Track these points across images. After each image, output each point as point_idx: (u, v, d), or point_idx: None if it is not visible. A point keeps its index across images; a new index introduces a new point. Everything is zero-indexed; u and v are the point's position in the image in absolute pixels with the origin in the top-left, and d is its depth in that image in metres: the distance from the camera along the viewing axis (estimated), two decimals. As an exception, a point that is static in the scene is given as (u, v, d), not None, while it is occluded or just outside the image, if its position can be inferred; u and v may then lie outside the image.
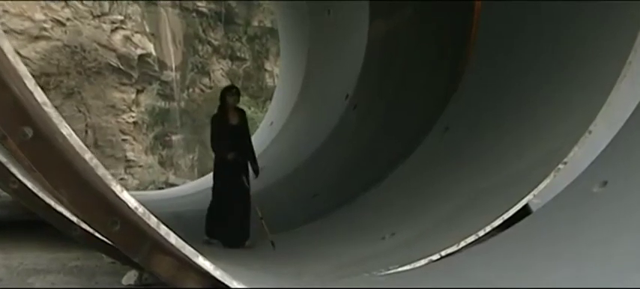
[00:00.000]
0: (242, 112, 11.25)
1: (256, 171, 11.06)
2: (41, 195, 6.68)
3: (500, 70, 9.70)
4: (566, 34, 8.33)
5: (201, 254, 4.33)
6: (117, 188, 4.01)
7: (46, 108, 3.84)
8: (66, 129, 3.88)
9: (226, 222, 10.63)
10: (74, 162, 3.96)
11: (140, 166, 34.21)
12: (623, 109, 6.89)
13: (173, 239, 4.16)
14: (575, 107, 7.78)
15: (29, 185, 6.60)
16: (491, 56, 10.14)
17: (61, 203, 6.67)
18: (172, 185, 31.91)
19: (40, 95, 3.80)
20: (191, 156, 35.94)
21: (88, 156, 3.91)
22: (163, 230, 4.14)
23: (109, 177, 3.98)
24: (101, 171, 3.94)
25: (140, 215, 4.06)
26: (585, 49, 7.95)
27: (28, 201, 6.67)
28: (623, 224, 5.58)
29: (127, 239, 4.25)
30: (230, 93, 11.21)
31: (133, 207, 4.03)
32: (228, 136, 10.94)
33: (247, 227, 10.66)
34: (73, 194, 4.11)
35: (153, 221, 4.12)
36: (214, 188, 11.18)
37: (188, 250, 4.24)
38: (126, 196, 4.02)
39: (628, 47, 7.14)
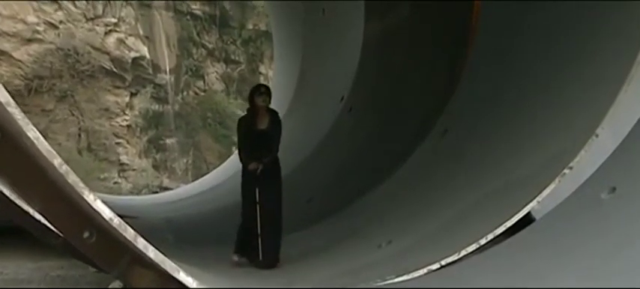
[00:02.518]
0: (274, 115, 9.58)
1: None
2: (18, 201, 6.33)
3: (502, 70, 9.42)
4: (570, 34, 8.04)
5: (182, 268, 4.01)
6: (90, 197, 3.69)
7: (10, 109, 3.49)
8: (33, 133, 3.54)
9: (256, 243, 9.15)
10: (44, 168, 3.63)
11: (134, 170, 34.27)
12: (632, 111, 6.64)
13: (152, 253, 3.83)
14: (580, 109, 7.49)
15: (5, 191, 6.25)
16: (491, 56, 9.86)
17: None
18: (166, 188, 31.80)
19: (3, 95, 3.45)
20: (185, 160, 35.97)
21: (57, 161, 3.58)
22: (141, 243, 3.81)
23: (81, 184, 3.65)
24: (72, 177, 3.61)
25: (115, 226, 3.73)
26: (591, 49, 7.66)
27: (3, 208, 6.32)
28: (634, 234, 5.29)
29: (103, 251, 3.93)
30: (258, 92, 9.47)
31: (107, 218, 3.70)
32: (254, 143, 9.43)
33: (278, 247, 9.26)
34: (43, 202, 3.79)
35: (130, 233, 3.79)
36: (243, 204, 9.53)
37: (169, 265, 3.91)
38: (100, 206, 3.69)
39: (636, 46, 6.84)
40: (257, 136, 9.42)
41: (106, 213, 3.68)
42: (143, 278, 4.01)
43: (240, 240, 9.39)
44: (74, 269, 9.32)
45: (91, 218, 3.80)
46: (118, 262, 3.97)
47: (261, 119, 9.43)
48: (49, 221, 4.04)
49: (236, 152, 26.25)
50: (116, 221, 3.72)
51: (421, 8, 12.29)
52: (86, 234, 3.86)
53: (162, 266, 3.88)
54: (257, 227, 9.07)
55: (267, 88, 9.65)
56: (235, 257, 9.30)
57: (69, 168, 3.60)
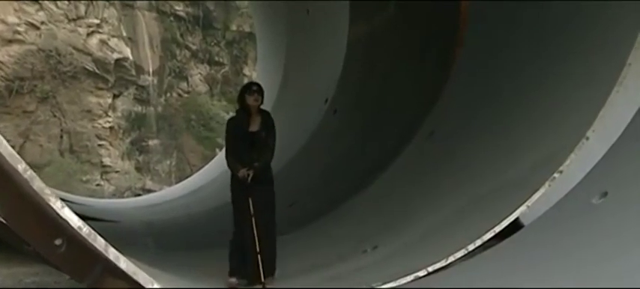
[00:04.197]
0: (266, 116, 8.68)
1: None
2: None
3: (490, 71, 9.32)
4: (560, 35, 7.95)
5: (156, 279, 3.79)
6: (56, 204, 3.47)
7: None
8: (-7, 135, 3.31)
9: (255, 261, 8.11)
10: (8, 172, 3.40)
11: (116, 172, 34.12)
12: (623, 114, 6.49)
13: (124, 264, 3.60)
14: (571, 111, 7.38)
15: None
16: (480, 58, 9.75)
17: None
18: (149, 191, 31.65)
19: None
20: (168, 162, 35.83)
21: (21, 166, 3.36)
22: (112, 253, 3.59)
23: (47, 191, 3.43)
24: (37, 183, 3.39)
25: (85, 235, 3.50)
26: (581, 50, 7.57)
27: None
28: (627, 239, 5.14)
29: (74, 261, 3.73)
30: (250, 91, 8.57)
31: (75, 227, 3.48)
32: (247, 147, 8.46)
33: (274, 258, 8.35)
34: (8, 209, 3.57)
35: (100, 242, 3.56)
36: (235, 216, 8.57)
37: (142, 277, 3.69)
38: (67, 214, 3.47)
39: (627, 47, 6.73)
40: (248, 139, 8.49)
41: (74, 221, 3.46)
42: (116, 290, 3.79)
43: (235, 260, 8.38)
44: (49, 275, 9.08)
45: (60, 226, 3.58)
46: (89, 272, 3.76)
47: (253, 120, 8.54)
48: (14, 228, 3.82)
49: (220, 153, 26.02)
50: (85, 230, 3.50)
51: (407, 8, 12.16)
52: (56, 243, 3.65)
53: (135, 277, 3.65)
54: (255, 243, 8.10)
55: (260, 87, 8.73)
56: (233, 280, 8.27)
57: (34, 174, 3.38)
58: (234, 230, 8.50)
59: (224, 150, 8.88)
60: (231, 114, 35.99)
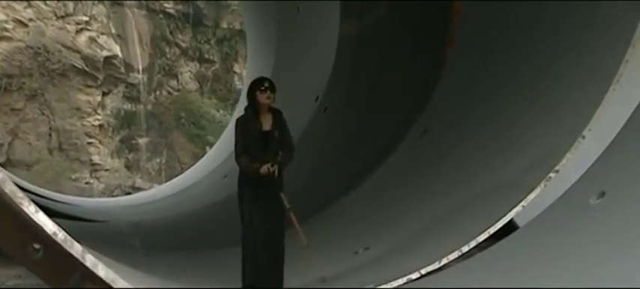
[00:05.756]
0: (278, 114, 8.00)
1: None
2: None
3: (484, 68, 9.24)
4: (556, 32, 7.90)
5: (141, 283, 3.62)
6: (30, 208, 3.29)
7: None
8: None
9: (263, 269, 7.59)
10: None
11: (106, 170, 34.01)
12: (620, 112, 6.40)
13: (102, 271, 3.43)
14: (566, 110, 7.33)
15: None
16: (474, 54, 9.69)
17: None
18: (139, 189, 31.54)
19: None
20: (158, 160, 35.71)
21: (-8, 168, 3.16)
22: (90, 260, 3.41)
23: (20, 194, 3.25)
24: (9, 187, 3.20)
25: (60, 242, 3.32)
26: (577, 47, 7.49)
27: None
28: (626, 240, 5.03)
29: (51, 268, 3.54)
30: (262, 87, 7.78)
31: (50, 232, 3.29)
32: (260, 147, 7.75)
33: (281, 271, 7.67)
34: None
35: (77, 249, 3.38)
36: (243, 223, 7.82)
37: (121, 284, 3.50)
38: (42, 218, 3.29)
39: (625, 44, 6.67)
40: (262, 139, 7.80)
41: (49, 226, 3.28)
42: (95, 297, 3.61)
43: (251, 275, 7.59)
44: (32, 277, 8.88)
45: (36, 231, 3.40)
46: (67, 280, 3.58)
47: (265, 119, 7.83)
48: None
49: (209, 151, 25.85)
50: (61, 236, 3.32)
51: (398, 6, 12.06)
52: (31, 248, 3.47)
53: (114, 285, 3.47)
54: (275, 251, 7.62)
55: (271, 82, 7.95)
56: None
57: (6, 176, 3.19)
58: (243, 243, 7.78)
59: (234, 152, 7.99)
60: (222, 112, 35.60)
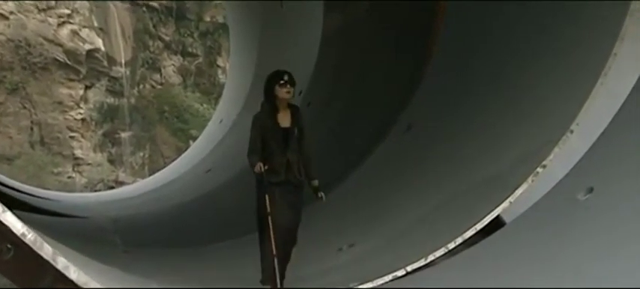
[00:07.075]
0: (296, 110, 7.55)
1: (316, 190, 7.59)
2: None
3: (470, 62, 9.18)
4: (543, 26, 7.84)
5: (120, 283, 3.50)
6: (-4, 207, 3.14)
7: None
8: None
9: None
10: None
11: (89, 164, 33.91)
12: (608, 106, 6.37)
13: (74, 274, 3.30)
14: (554, 104, 7.28)
15: None
16: (458, 49, 9.63)
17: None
18: (122, 183, 31.45)
19: None
20: (141, 154, 35.68)
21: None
22: (61, 262, 3.27)
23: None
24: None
25: (29, 243, 3.18)
26: (565, 41, 7.45)
27: None
28: (615, 237, 5.01)
29: (22, 269, 3.42)
30: (281, 81, 7.36)
31: (18, 233, 3.15)
32: (281, 147, 7.36)
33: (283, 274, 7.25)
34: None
35: (47, 250, 3.24)
36: (264, 226, 7.36)
37: (94, 285, 3.37)
38: (9, 219, 3.15)
39: (613, 37, 6.64)
40: (283, 137, 7.41)
41: (18, 227, 3.13)
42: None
43: (265, 270, 7.32)
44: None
45: (4, 231, 3.26)
46: (39, 282, 3.44)
47: (283, 115, 7.44)
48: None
49: (193, 145, 25.64)
50: (30, 237, 3.19)
51: (382, 3, 12.06)
52: (5, 248, 3.33)
53: (86, 287, 3.34)
54: (290, 249, 7.43)
55: (291, 76, 7.50)
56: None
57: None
58: (262, 241, 7.50)
59: (248, 150, 7.55)
60: (206, 105, 35.42)
